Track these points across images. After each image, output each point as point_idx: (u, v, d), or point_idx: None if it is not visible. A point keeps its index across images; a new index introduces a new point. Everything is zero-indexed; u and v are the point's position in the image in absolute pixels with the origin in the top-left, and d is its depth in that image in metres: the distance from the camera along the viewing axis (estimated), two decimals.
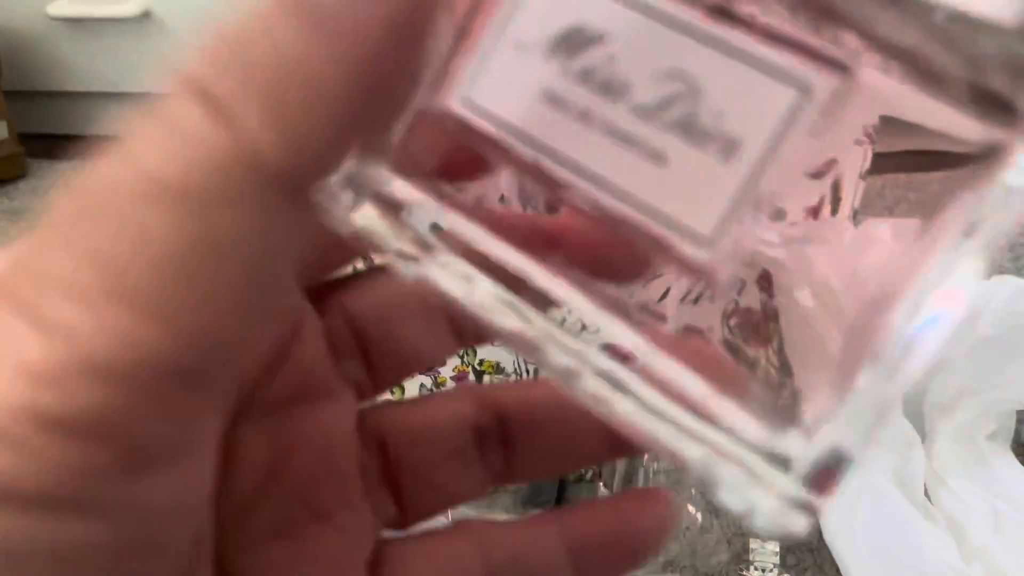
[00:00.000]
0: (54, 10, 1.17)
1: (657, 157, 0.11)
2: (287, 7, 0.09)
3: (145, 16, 1.15)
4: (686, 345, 0.12)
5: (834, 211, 0.13)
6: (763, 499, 0.10)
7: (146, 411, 0.09)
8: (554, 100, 0.11)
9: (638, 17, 0.11)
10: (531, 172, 0.12)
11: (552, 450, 0.17)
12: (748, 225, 0.11)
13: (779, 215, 0.13)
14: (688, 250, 0.11)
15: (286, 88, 0.09)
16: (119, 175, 0.09)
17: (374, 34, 0.09)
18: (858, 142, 0.12)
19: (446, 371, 0.61)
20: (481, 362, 0.60)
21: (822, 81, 0.10)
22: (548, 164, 0.11)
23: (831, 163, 0.13)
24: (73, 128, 1.32)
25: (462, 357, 0.59)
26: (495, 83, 0.12)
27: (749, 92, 0.11)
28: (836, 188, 0.13)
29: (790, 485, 0.11)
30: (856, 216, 0.14)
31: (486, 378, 0.60)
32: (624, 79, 0.11)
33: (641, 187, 0.11)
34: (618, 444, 0.17)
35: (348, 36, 0.09)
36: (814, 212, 0.13)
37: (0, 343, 0.09)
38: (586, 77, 0.11)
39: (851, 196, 0.13)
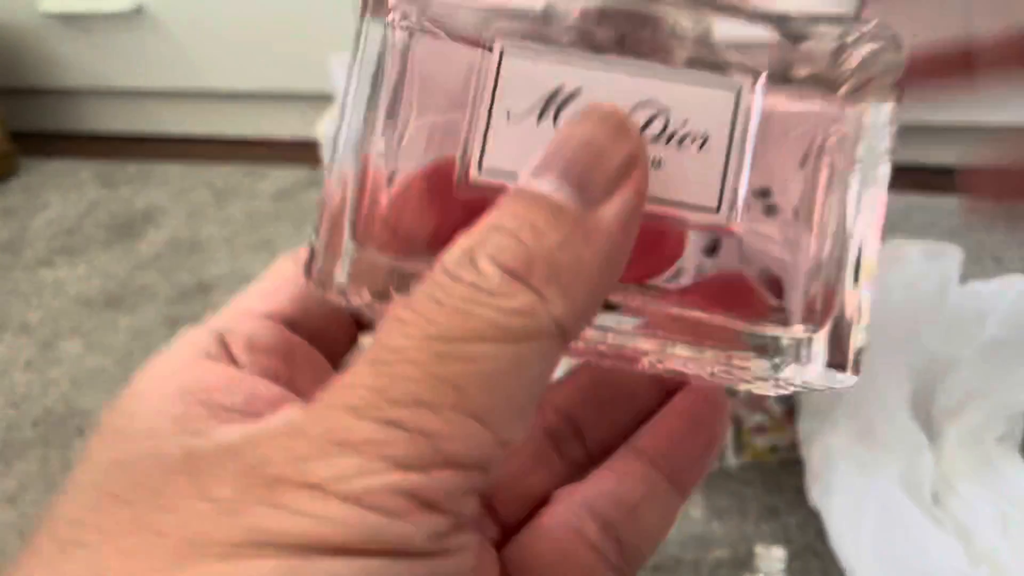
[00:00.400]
0: (46, 6, 1.16)
1: (654, 164, 0.15)
2: (573, 229, 0.14)
3: (138, 12, 1.14)
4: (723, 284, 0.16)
5: None
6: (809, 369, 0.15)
7: (469, 491, 0.14)
8: None
9: (604, 72, 0.15)
10: None
11: (616, 422, 0.20)
12: (744, 193, 0.15)
13: (770, 210, 0.16)
14: (706, 220, 0.15)
15: (575, 277, 0.14)
16: (468, 322, 0.13)
17: (621, 242, 0.14)
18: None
19: None
20: None
21: (746, 83, 0.15)
22: None
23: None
24: (66, 125, 1.31)
25: None
26: (501, 148, 0.15)
27: (702, 101, 0.15)
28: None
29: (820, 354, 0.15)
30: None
31: None
32: None
33: (651, 188, 0.15)
34: (667, 387, 0.20)
35: (610, 244, 0.14)
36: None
37: (365, 444, 0.13)
38: None
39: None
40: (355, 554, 0.13)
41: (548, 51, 0.15)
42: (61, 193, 1.12)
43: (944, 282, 0.55)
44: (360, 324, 0.20)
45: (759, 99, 0.15)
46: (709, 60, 0.15)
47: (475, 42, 0.16)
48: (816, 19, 0.15)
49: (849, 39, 0.15)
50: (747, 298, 0.16)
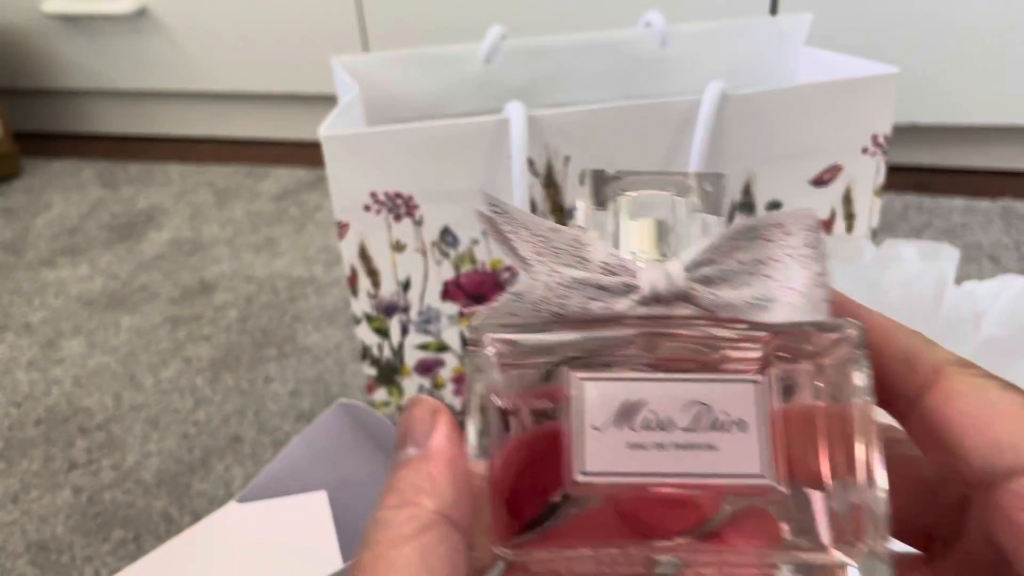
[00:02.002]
0: (49, 7, 1.16)
1: (709, 448, 0.19)
2: None
3: (141, 14, 1.15)
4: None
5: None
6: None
7: None
8: (635, 447, 0.19)
9: (657, 383, 0.20)
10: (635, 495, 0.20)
11: None
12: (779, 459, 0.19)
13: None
14: (756, 485, 0.19)
15: None
16: None
17: None
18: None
19: (446, 372, 0.60)
20: None
21: (762, 377, 0.20)
22: (653, 483, 0.19)
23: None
24: (68, 126, 1.31)
25: (462, 359, 0.59)
26: (594, 456, 0.19)
27: (733, 395, 0.19)
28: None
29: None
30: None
31: None
32: (668, 417, 0.19)
33: (713, 468, 0.19)
34: None
35: None
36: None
37: None
38: (647, 426, 0.19)
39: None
40: None
41: (612, 375, 0.20)
42: (63, 193, 1.13)
43: (941, 282, 0.55)
44: None
45: (775, 387, 0.20)
46: (729, 356, 0.20)
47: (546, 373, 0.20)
48: (798, 324, 0.20)
49: (825, 330, 0.20)
50: (773, 531, 0.20)
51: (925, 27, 0.89)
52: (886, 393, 0.21)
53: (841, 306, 0.21)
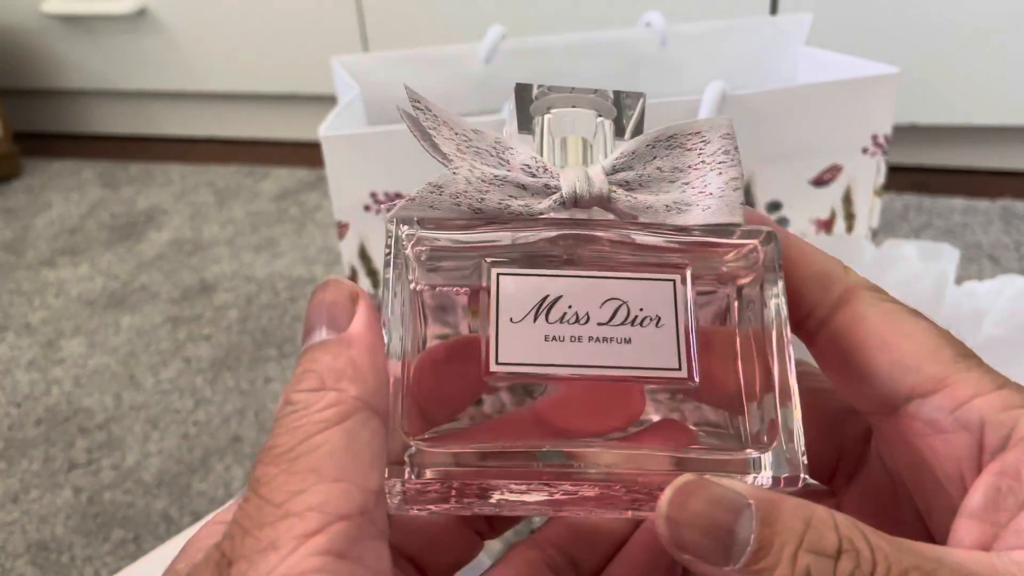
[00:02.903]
0: (49, 7, 1.16)
1: (626, 342, 0.19)
2: None
3: (141, 14, 1.15)
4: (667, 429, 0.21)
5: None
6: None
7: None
8: (552, 339, 0.19)
9: (576, 279, 0.20)
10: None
11: (602, 552, 0.23)
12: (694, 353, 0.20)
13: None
14: (671, 378, 0.19)
15: None
16: None
17: None
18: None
19: None
20: None
21: (677, 276, 0.20)
22: (568, 373, 0.19)
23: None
24: (69, 126, 1.31)
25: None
26: (510, 346, 0.19)
27: (650, 293, 0.20)
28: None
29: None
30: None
31: None
32: (585, 312, 0.19)
33: (628, 361, 0.19)
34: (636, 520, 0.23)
35: None
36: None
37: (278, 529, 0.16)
38: (563, 320, 0.19)
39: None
40: None
41: (530, 271, 0.20)
42: (63, 193, 1.13)
43: (941, 282, 0.55)
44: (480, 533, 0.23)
45: (690, 285, 0.20)
46: (646, 261, 0.20)
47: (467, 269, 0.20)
48: (714, 227, 0.20)
49: (742, 237, 0.20)
50: (687, 436, 0.20)
51: (925, 27, 0.89)
52: (798, 312, 0.21)
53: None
